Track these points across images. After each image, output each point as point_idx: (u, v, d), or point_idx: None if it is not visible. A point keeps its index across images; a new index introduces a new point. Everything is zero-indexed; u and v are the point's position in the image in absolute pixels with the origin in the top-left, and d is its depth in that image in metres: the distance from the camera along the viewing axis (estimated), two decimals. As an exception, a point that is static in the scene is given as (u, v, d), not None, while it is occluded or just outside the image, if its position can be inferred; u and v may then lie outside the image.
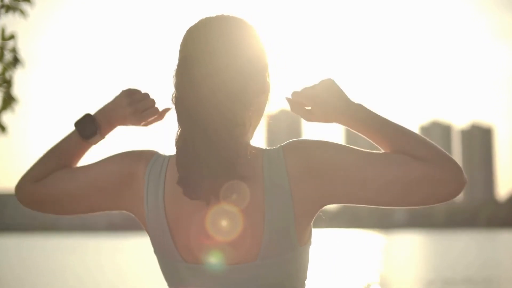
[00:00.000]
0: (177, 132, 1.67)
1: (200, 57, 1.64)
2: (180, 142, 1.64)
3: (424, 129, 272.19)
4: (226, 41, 1.65)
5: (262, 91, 1.70)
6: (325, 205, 1.66)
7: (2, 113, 3.78)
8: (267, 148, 1.68)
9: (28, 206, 1.83)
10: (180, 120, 1.66)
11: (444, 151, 1.60)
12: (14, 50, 3.75)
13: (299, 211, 1.62)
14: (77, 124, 1.83)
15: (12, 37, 3.72)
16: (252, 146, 1.68)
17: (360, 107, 1.68)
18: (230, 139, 1.60)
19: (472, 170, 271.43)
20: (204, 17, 1.71)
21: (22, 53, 3.79)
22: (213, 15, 1.70)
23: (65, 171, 1.80)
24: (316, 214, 1.68)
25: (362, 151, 1.62)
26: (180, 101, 1.66)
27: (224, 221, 1.62)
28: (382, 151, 1.65)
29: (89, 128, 1.82)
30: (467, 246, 67.56)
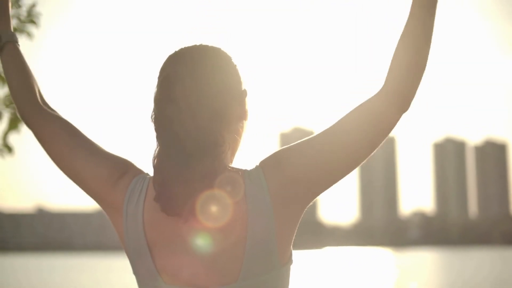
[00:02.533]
0: (155, 150, 1.65)
1: (180, 75, 1.65)
2: (158, 158, 1.63)
3: (437, 145, 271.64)
4: (206, 64, 1.67)
5: (241, 116, 1.70)
6: (312, 200, 1.67)
7: (9, 133, 3.76)
8: (247, 169, 1.67)
9: (30, 127, 1.85)
10: (158, 136, 1.65)
11: (416, 70, 1.71)
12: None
13: (281, 230, 1.61)
14: None
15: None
16: (233, 167, 1.67)
17: None
18: (209, 155, 1.59)
19: (487, 186, 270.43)
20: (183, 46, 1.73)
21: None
22: (191, 44, 1.72)
23: (72, 139, 1.77)
24: (297, 226, 1.67)
25: (330, 130, 1.64)
26: (159, 116, 1.64)
27: (203, 240, 1.60)
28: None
29: None
30: (482, 263, 67.08)
